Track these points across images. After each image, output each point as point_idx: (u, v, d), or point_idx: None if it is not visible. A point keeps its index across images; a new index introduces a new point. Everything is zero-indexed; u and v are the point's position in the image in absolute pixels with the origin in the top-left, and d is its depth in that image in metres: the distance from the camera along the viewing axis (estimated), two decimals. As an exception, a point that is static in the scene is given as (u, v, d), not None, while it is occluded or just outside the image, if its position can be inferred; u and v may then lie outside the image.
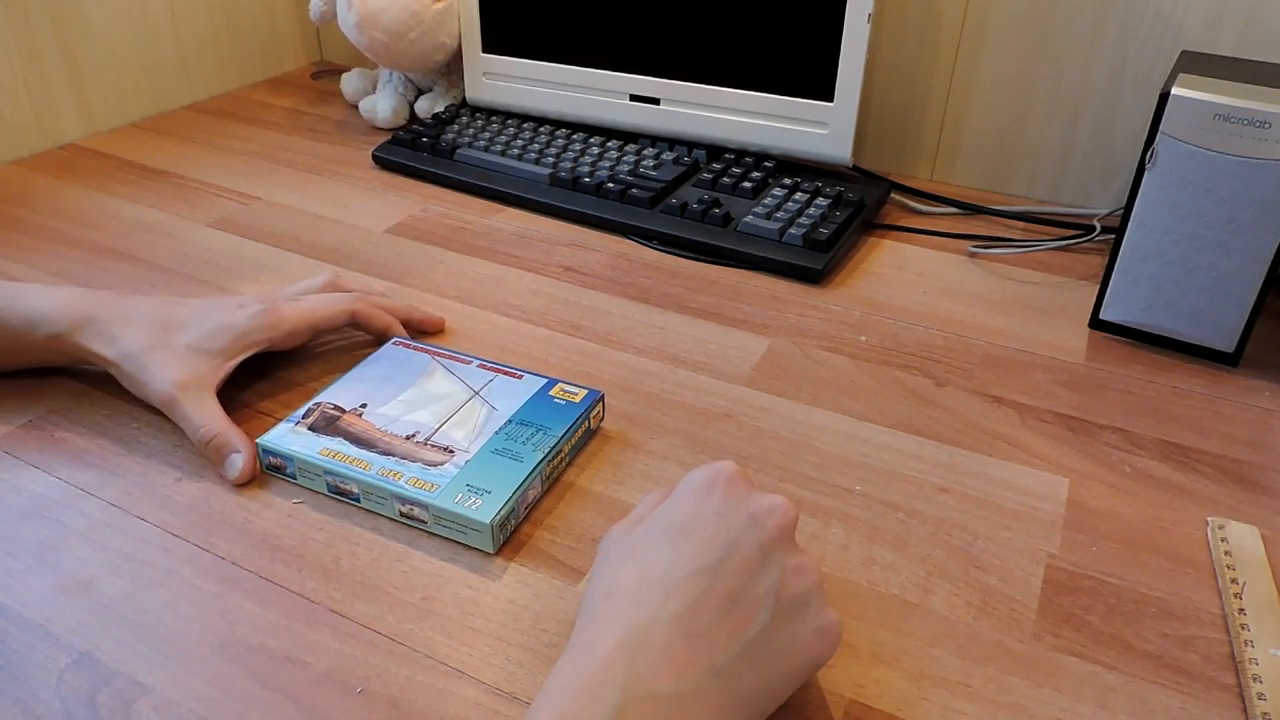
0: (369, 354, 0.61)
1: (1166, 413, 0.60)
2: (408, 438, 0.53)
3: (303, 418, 0.54)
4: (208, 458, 0.53)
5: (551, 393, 0.57)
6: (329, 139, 1.01)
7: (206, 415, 0.53)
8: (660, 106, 0.90)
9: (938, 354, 0.66)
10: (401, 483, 0.50)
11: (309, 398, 0.57)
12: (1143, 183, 0.63)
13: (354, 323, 0.62)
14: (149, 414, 0.57)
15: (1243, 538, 0.50)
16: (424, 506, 0.49)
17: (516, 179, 0.87)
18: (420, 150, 0.92)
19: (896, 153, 0.94)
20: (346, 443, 0.53)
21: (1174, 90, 0.60)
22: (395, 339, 0.62)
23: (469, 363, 0.60)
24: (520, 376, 0.58)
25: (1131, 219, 0.64)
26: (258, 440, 0.53)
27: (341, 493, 0.51)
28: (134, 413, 0.58)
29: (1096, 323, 0.68)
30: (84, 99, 0.98)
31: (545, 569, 0.48)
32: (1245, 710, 0.41)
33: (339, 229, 0.81)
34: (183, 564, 0.48)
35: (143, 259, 0.76)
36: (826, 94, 0.82)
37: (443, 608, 0.46)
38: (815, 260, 0.74)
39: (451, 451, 0.52)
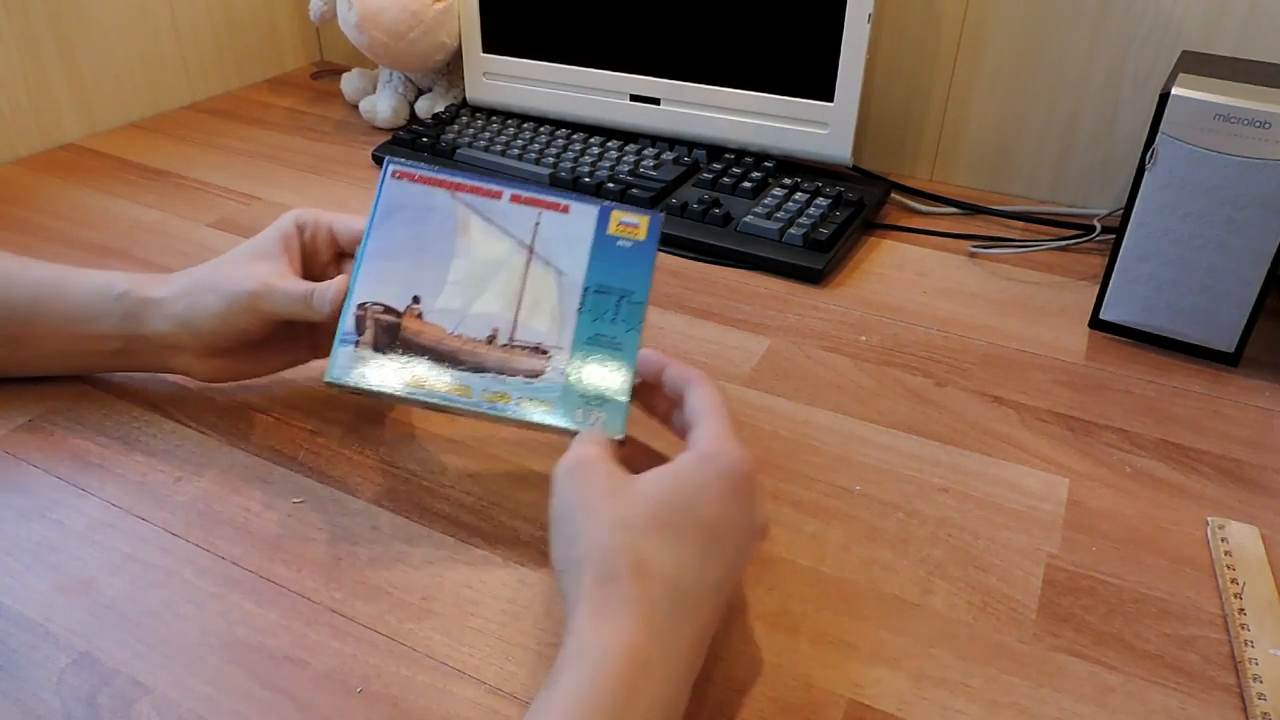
0: (377, 199, 0.52)
1: (1166, 413, 0.60)
2: (489, 341, 0.49)
3: (357, 333, 0.49)
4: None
5: (610, 230, 0.50)
6: (329, 139, 1.01)
7: (300, 284, 0.52)
8: (660, 106, 0.90)
9: (938, 354, 0.66)
10: (512, 405, 0.48)
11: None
12: (1143, 183, 0.63)
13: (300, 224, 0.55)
14: (149, 413, 0.57)
15: (1243, 538, 0.50)
16: (542, 428, 0.48)
17: (516, 179, 0.87)
18: (420, 150, 0.92)
19: (896, 153, 0.94)
20: (428, 362, 0.48)
21: (1174, 90, 0.60)
22: (392, 166, 0.52)
23: (499, 195, 0.51)
24: (565, 208, 0.51)
25: (1131, 219, 0.64)
26: (324, 378, 0.48)
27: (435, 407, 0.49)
28: (134, 412, 0.58)
29: (1096, 323, 0.68)
30: (84, 99, 0.98)
31: (545, 569, 0.48)
32: (1245, 710, 0.41)
33: (339, 229, 0.81)
34: (183, 564, 0.48)
35: (143, 259, 0.76)
36: (826, 94, 0.82)
37: (443, 608, 0.46)
38: (815, 260, 0.74)
39: (544, 352, 0.48)
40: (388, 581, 0.47)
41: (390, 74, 1.05)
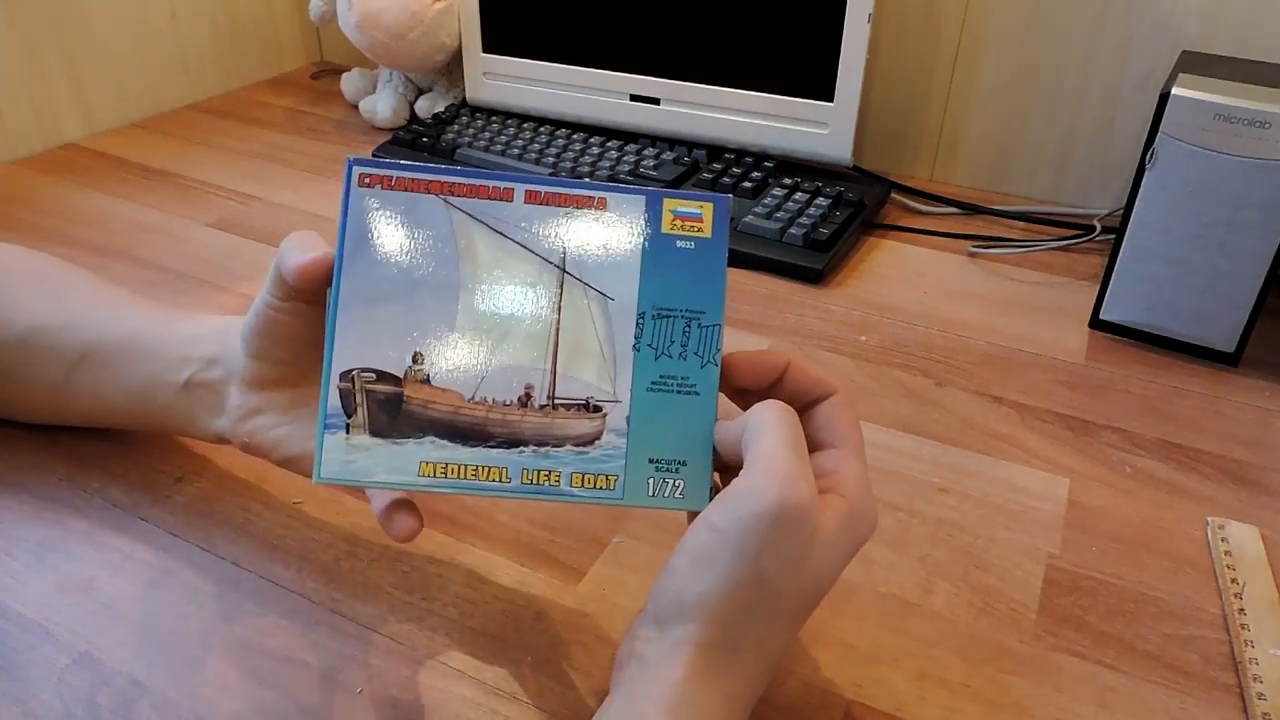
0: (342, 217, 0.39)
1: (1166, 413, 0.60)
2: (523, 403, 0.38)
3: (346, 414, 0.37)
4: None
5: (665, 229, 0.39)
6: (329, 139, 1.01)
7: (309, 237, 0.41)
8: (660, 106, 0.90)
9: (938, 354, 0.66)
10: (564, 487, 0.38)
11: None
12: (1143, 183, 0.63)
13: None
14: (149, 414, 0.57)
15: (1243, 538, 0.50)
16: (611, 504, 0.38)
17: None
18: (420, 150, 0.92)
19: (896, 153, 0.94)
20: (445, 441, 0.38)
21: (1174, 90, 0.60)
22: (358, 169, 0.38)
23: (509, 194, 0.39)
24: (601, 203, 0.39)
25: (1131, 219, 0.64)
26: (313, 480, 0.38)
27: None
28: (134, 413, 0.58)
29: (1096, 323, 0.68)
30: (84, 99, 0.98)
31: (545, 569, 0.48)
32: (1245, 710, 0.41)
33: (339, 229, 0.81)
34: (183, 564, 0.48)
35: (143, 259, 0.76)
36: (826, 94, 0.82)
37: (443, 608, 0.46)
38: (815, 260, 0.74)
39: (596, 409, 0.38)
40: (388, 581, 0.47)
41: (390, 74, 1.05)
